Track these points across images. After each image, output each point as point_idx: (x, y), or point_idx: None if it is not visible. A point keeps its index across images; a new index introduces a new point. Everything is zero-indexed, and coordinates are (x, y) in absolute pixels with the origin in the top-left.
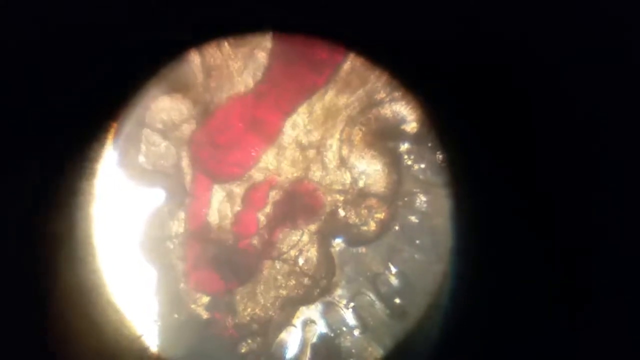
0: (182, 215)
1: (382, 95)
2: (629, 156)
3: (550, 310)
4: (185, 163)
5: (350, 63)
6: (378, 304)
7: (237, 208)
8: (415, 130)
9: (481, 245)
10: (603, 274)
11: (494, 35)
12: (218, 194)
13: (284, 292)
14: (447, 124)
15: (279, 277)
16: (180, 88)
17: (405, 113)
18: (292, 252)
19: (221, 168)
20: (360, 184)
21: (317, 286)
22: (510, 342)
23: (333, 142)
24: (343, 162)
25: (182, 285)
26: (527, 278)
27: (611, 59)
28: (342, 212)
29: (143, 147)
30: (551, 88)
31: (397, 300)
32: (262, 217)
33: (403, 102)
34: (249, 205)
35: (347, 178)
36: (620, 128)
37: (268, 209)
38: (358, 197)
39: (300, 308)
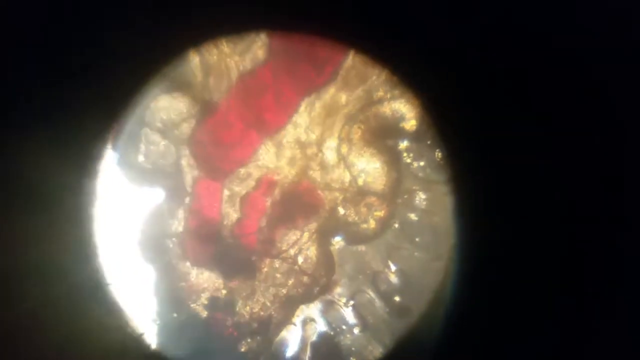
0: (181, 214)
1: (381, 93)
2: (630, 155)
3: (551, 309)
4: (185, 162)
5: (351, 60)
6: (378, 302)
7: (238, 207)
8: (414, 127)
9: (481, 243)
10: (604, 274)
11: (495, 32)
12: (219, 192)
13: (283, 291)
14: (446, 121)
15: (278, 275)
16: (180, 87)
17: (404, 111)
18: (292, 251)
19: (222, 166)
20: (360, 182)
21: (317, 284)
22: (510, 341)
23: (332, 140)
24: (342, 160)
25: (182, 284)
26: (527, 277)
27: (611, 59)
28: (341, 210)
29: (143, 147)
30: (551, 85)
31: (397, 299)
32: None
33: (402, 100)
34: (249, 209)
35: (347, 176)
36: (620, 127)
37: (268, 208)
38: (357, 195)
39: (300, 306)
